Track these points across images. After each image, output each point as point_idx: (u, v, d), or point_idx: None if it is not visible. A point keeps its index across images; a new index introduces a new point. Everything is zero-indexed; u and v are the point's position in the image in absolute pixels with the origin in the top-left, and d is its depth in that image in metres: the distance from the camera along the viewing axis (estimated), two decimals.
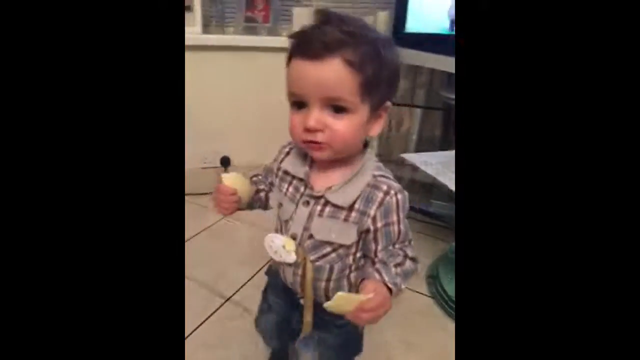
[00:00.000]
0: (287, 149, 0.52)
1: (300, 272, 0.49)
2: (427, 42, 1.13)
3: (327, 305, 0.38)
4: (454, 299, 0.97)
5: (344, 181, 0.45)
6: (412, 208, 1.43)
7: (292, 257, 0.47)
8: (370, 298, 0.38)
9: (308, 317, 0.51)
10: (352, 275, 0.51)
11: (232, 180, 0.49)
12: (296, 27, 1.45)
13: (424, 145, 1.58)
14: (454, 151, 1.15)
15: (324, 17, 0.40)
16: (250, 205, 0.55)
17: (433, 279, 1.09)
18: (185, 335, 0.87)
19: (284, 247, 0.47)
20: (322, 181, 0.46)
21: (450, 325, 0.93)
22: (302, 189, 0.47)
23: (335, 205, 0.45)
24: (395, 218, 0.46)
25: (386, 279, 0.43)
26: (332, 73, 0.38)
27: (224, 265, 1.10)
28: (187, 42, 1.40)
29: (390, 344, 0.88)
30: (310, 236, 0.47)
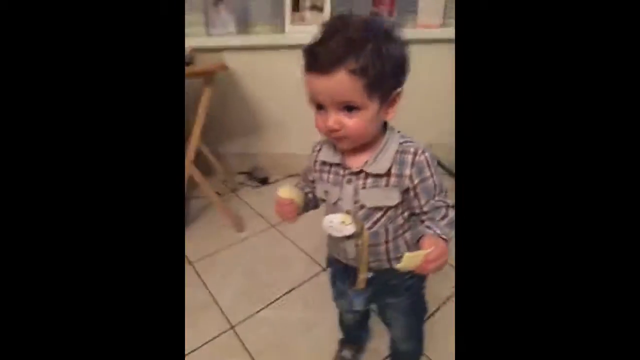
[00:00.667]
0: (318, 147, 0.59)
1: (360, 242, 0.55)
2: None
3: (399, 266, 0.45)
4: None
5: (375, 154, 0.52)
6: None
7: (351, 229, 0.53)
8: (431, 251, 0.45)
9: (362, 275, 0.58)
10: (407, 234, 0.57)
11: (286, 191, 0.58)
12: (421, 18, 1.45)
13: None
14: None
15: (331, 28, 0.45)
16: (306, 208, 0.63)
17: None
18: (288, 290, 1.05)
19: (342, 222, 0.53)
20: (355, 162, 0.53)
21: None
22: (341, 171, 0.54)
23: (374, 175, 0.52)
24: (428, 173, 0.51)
25: (438, 232, 0.49)
26: (339, 84, 0.44)
27: (322, 240, 1.23)
28: None
29: None
30: (362, 207, 0.53)
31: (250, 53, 1.59)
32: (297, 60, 0.48)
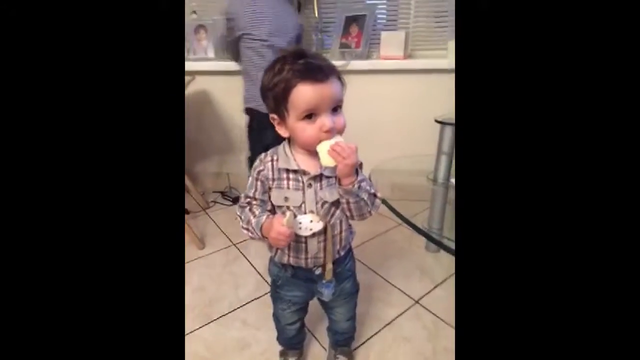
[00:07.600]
0: (269, 159, 0.62)
1: (322, 237, 0.63)
2: None
3: (324, 162, 0.55)
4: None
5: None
6: None
7: (320, 225, 0.61)
8: (338, 143, 0.54)
9: (330, 265, 0.66)
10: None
11: (290, 222, 0.57)
12: (384, 50, 1.52)
13: None
14: None
15: (301, 52, 0.56)
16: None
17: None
18: (231, 310, 1.06)
19: (311, 221, 0.60)
20: (311, 167, 0.60)
21: None
22: (300, 177, 0.61)
23: (327, 177, 0.60)
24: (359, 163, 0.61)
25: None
26: (334, 86, 0.56)
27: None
28: None
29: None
30: (323, 204, 0.61)
31: (225, 78, 1.67)
32: None
